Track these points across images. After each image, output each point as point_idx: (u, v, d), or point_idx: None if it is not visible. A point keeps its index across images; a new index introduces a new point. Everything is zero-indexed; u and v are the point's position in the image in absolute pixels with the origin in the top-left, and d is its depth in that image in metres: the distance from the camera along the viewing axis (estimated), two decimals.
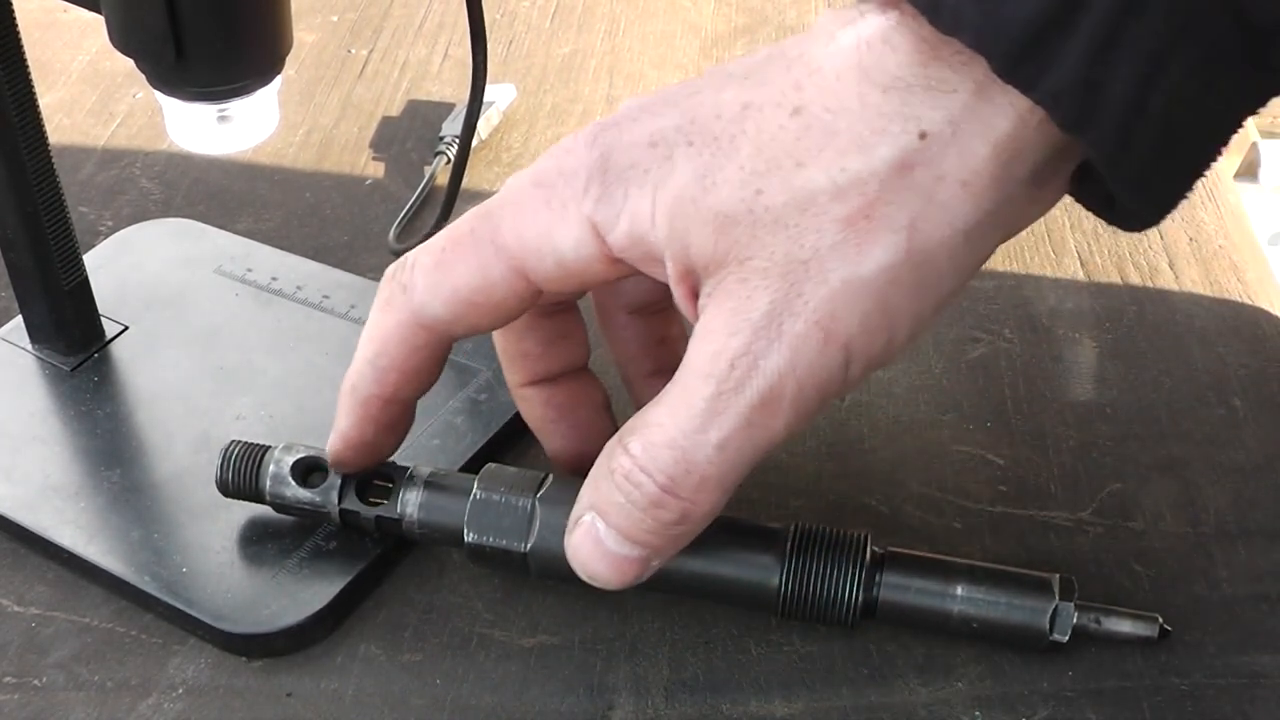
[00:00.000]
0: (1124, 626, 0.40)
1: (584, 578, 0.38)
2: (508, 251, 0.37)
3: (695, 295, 0.35)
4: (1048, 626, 0.40)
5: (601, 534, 0.37)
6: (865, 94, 0.33)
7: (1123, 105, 0.31)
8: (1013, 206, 0.35)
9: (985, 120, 0.32)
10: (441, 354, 0.40)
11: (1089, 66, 0.31)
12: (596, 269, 0.36)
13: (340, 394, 0.41)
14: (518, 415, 0.48)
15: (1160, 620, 0.40)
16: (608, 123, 0.36)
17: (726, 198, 0.34)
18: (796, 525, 0.41)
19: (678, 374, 0.35)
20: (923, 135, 0.33)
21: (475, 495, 0.42)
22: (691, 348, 0.35)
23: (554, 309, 0.42)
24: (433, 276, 0.38)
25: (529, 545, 0.41)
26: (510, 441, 0.48)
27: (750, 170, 0.34)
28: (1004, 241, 0.37)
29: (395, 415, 0.41)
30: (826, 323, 0.34)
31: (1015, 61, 0.31)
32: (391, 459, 0.44)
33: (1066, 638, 0.40)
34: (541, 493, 0.41)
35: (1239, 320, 0.52)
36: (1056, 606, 0.40)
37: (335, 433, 0.42)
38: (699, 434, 0.35)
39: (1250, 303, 0.53)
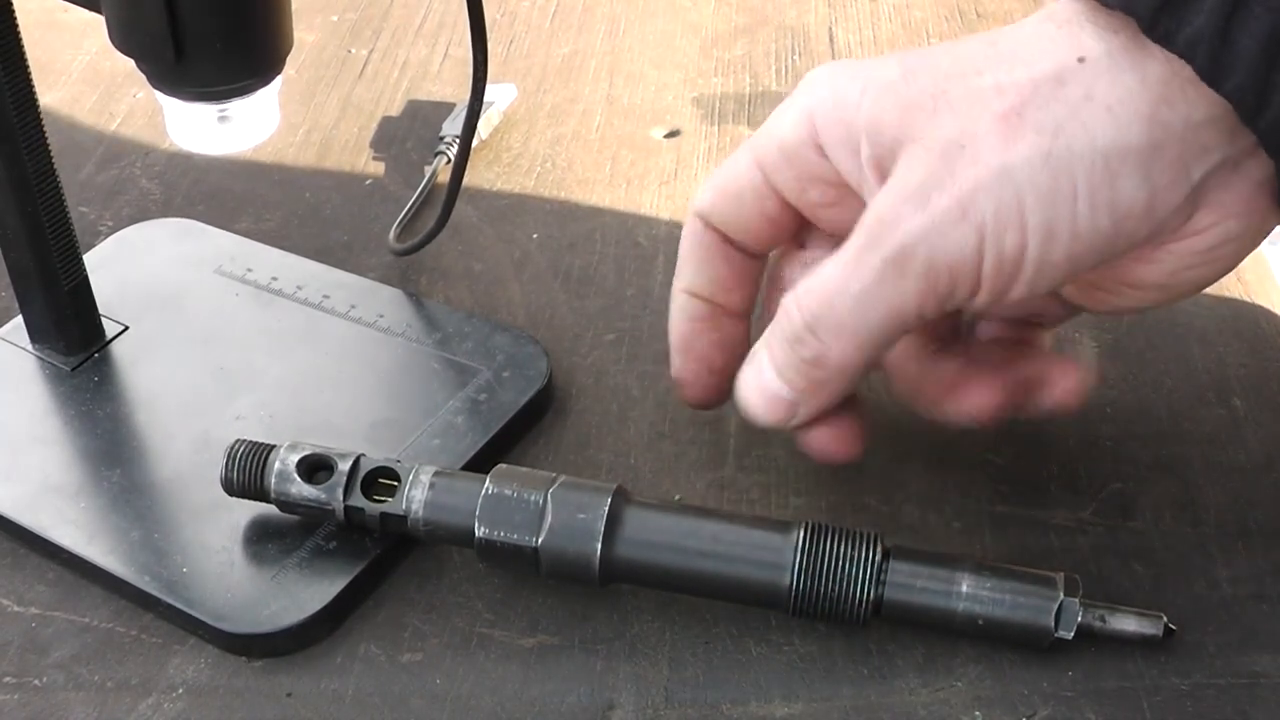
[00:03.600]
0: (1129, 625, 0.40)
1: (743, 411, 0.43)
2: (750, 142, 0.43)
3: (883, 180, 0.39)
4: (1053, 623, 0.40)
5: (762, 366, 0.42)
6: (1043, 28, 0.38)
7: (1257, 55, 0.34)
8: (1164, 168, 0.37)
9: (1139, 60, 0.36)
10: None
11: (1222, 20, 0.34)
12: (805, 155, 0.41)
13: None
14: (518, 415, 0.48)
15: (1165, 619, 0.40)
16: None
17: (920, 89, 0.39)
18: (807, 523, 0.41)
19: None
20: (1081, 59, 0.37)
21: (488, 489, 0.42)
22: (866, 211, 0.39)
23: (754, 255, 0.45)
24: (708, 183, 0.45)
25: (540, 541, 0.41)
26: (510, 441, 0.48)
27: (944, 73, 0.39)
28: (1157, 235, 0.38)
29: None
30: (966, 201, 0.37)
31: (1154, 20, 0.35)
32: (394, 458, 0.44)
33: (1072, 635, 0.40)
34: (553, 489, 0.42)
35: (1239, 320, 0.52)
36: (1062, 603, 0.40)
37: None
38: (841, 281, 0.39)
39: (1250, 302, 0.53)
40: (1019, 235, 0.37)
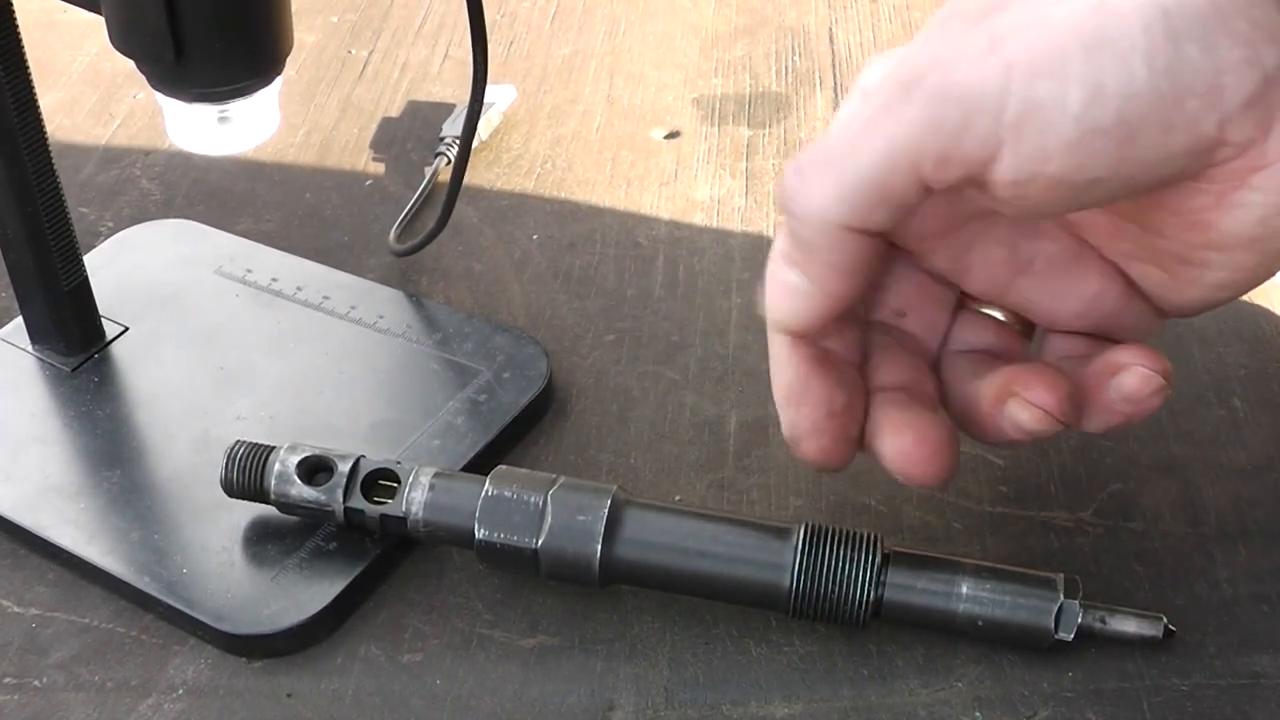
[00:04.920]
0: (1129, 626, 0.40)
1: (767, 316, 0.39)
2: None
3: None
4: (1053, 625, 0.40)
5: (772, 259, 0.38)
6: None
7: None
8: (1231, 43, 0.31)
9: None
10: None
11: None
12: None
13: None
14: (518, 416, 0.48)
15: (1165, 620, 0.40)
16: None
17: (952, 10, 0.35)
18: (807, 524, 0.41)
19: None
20: None
21: (487, 491, 0.42)
22: None
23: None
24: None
25: (539, 542, 0.41)
26: (510, 442, 0.48)
27: None
28: (1228, 142, 0.32)
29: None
30: (996, 37, 0.33)
31: None
32: (394, 459, 0.44)
33: (1072, 636, 0.40)
34: (553, 491, 0.42)
35: (1239, 320, 0.52)
36: (1062, 605, 0.40)
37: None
38: (844, 116, 0.35)
39: (1250, 303, 0.53)
40: (1057, 83, 0.32)
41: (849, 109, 0.36)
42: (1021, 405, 0.37)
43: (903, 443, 0.39)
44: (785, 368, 0.39)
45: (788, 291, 0.37)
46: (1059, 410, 0.37)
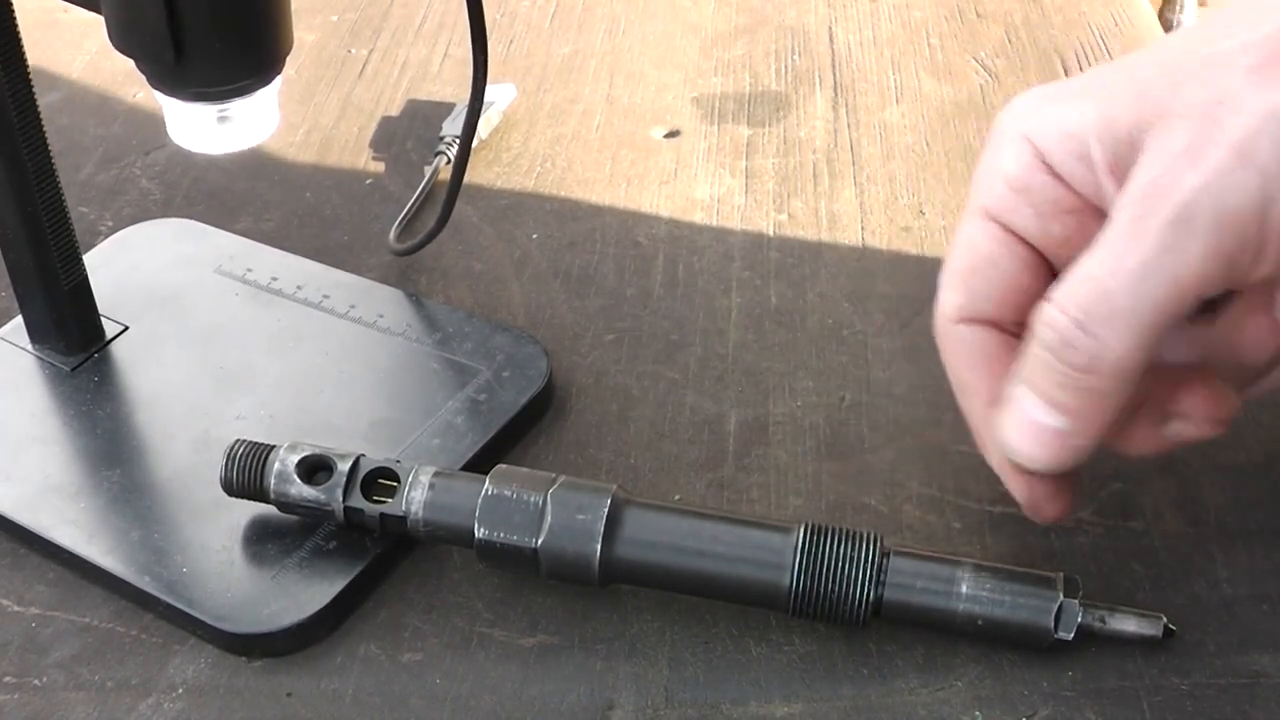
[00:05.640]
0: (1129, 625, 0.40)
1: (1011, 456, 0.39)
2: (967, 209, 0.40)
3: (1121, 183, 0.37)
4: (1053, 624, 0.40)
5: (1021, 399, 0.38)
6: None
7: None
8: None
9: None
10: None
11: None
12: (1037, 181, 0.39)
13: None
14: (517, 415, 0.48)
15: (1165, 619, 0.40)
16: None
17: (1145, 75, 0.37)
18: (806, 523, 0.41)
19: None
20: None
21: (487, 490, 0.42)
22: (1114, 204, 0.36)
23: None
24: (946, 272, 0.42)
25: (539, 541, 0.41)
26: (510, 441, 0.48)
27: (1171, 57, 0.37)
28: None
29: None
30: (1243, 146, 0.34)
31: None
32: (394, 458, 0.44)
33: (1071, 636, 0.40)
34: (553, 490, 0.42)
35: None
36: (1062, 604, 0.40)
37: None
38: (1114, 261, 0.35)
39: None
40: None
41: (1110, 244, 0.36)
42: (1186, 422, 0.40)
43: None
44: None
45: (1050, 436, 0.38)
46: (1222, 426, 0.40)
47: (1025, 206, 0.39)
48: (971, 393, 0.41)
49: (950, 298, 0.41)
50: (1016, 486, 0.41)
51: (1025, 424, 0.38)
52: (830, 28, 0.70)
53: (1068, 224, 0.39)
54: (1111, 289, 0.35)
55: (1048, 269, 0.40)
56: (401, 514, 0.42)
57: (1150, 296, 0.35)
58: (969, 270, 0.41)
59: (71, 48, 0.71)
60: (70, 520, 0.45)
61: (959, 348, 0.41)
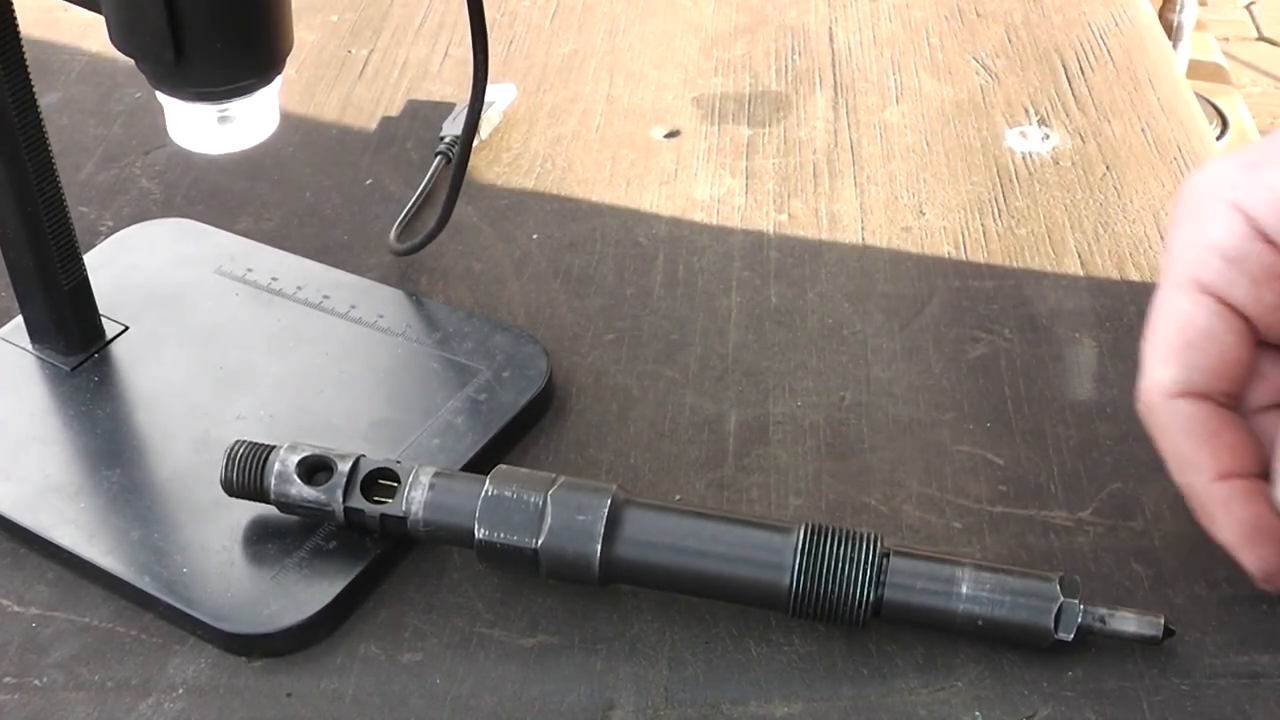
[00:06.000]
0: (1129, 625, 0.40)
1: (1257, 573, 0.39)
2: (1173, 284, 0.40)
3: None
4: (1053, 625, 0.40)
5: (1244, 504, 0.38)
6: None
7: None
8: None
9: None
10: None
11: None
12: (1253, 250, 0.38)
13: None
14: (518, 415, 0.48)
15: (1165, 619, 0.40)
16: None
17: None
18: (807, 523, 0.41)
19: None
20: None
21: (487, 491, 0.42)
22: None
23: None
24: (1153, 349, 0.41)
25: (539, 542, 0.41)
26: (510, 442, 0.48)
27: None
28: None
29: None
30: None
31: None
32: (394, 458, 0.44)
33: (1071, 636, 0.40)
34: (553, 490, 0.42)
35: None
36: (1062, 604, 0.40)
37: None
38: None
39: None
40: None
41: None
42: None
43: None
44: (1230, 513, 0.40)
45: None
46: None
47: (1240, 277, 0.39)
48: (1196, 469, 0.41)
49: (1165, 372, 0.41)
50: (1254, 560, 0.41)
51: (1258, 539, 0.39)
52: (830, 28, 0.70)
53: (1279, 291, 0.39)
54: None
55: (1256, 337, 0.40)
56: (401, 514, 0.42)
57: None
58: (1185, 344, 0.40)
59: (71, 48, 0.71)
60: (70, 520, 0.45)
61: (1178, 422, 0.41)
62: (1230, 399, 0.41)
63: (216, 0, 0.38)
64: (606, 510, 0.41)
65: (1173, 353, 0.40)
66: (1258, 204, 0.38)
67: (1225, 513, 0.40)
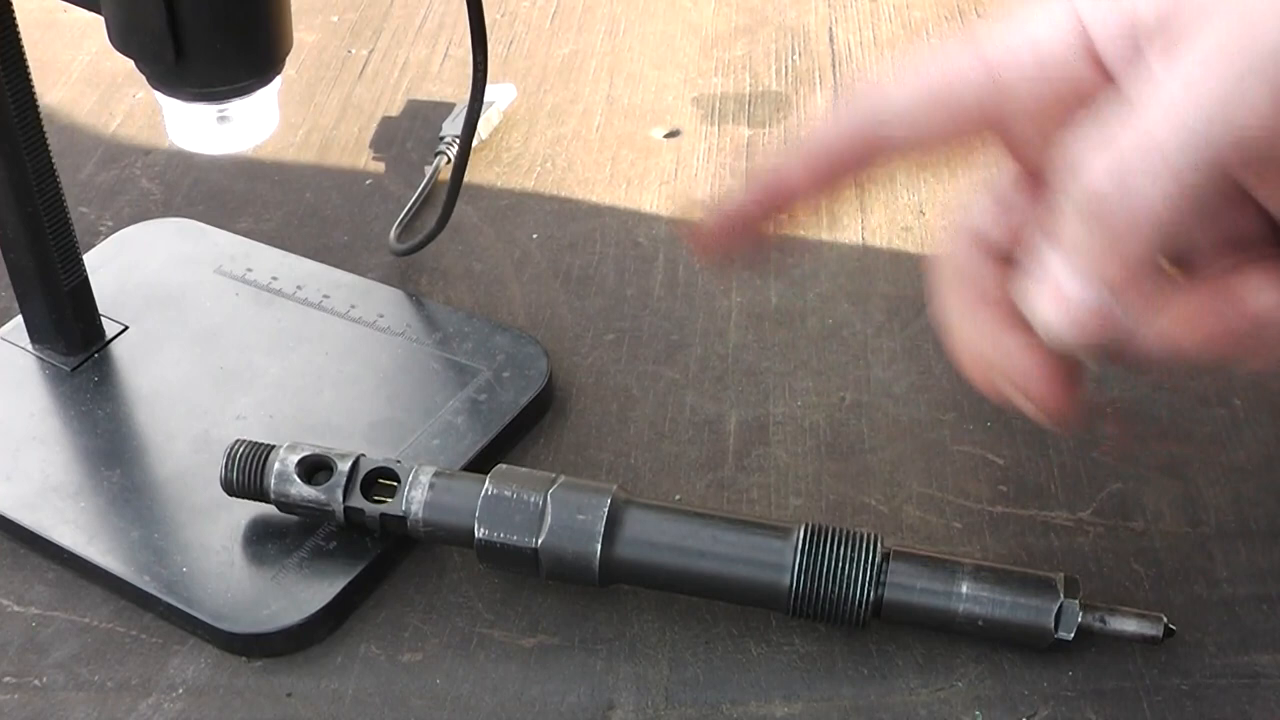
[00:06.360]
0: (1129, 626, 0.40)
1: (1050, 337, 0.33)
2: (980, 46, 0.35)
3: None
4: (1053, 625, 0.40)
5: (1054, 269, 0.32)
6: None
7: None
8: None
9: None
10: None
11: None
12: (1070, 65, 0.33)
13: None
14: (518, 416, 0.48)
15: (1165, 620, 0.40)
16: None
17: None
18: (807, 524, 0.41)
19: None
20: None
21: (487, 490, 0.42)
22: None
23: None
24: (901, 73, 0.36)
25: (539, 541, 0.41)
26: (510, 442, 0.48)
27: None
28: None
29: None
30: None
31: None
32: (394, 458, 0.44)
33: (1072, 636, 0.40)
34: (553, 490, 0.42)
35: None
36: (1062, 605, 0.40)
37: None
38: (1179, 93, 0.30)
39: None
40: None
41: (1162, 92, 0.31)
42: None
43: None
44: (971, 341, 0.37)
45: (1090, 313, 0.33)
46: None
47: (1041, 85, 0.34)
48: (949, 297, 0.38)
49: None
50: (1018, 378, 0.36)
51: (1060, 297, 0.33)
52: (830, 28, 0.70)
53: (1046, 128, 0.35)
54: (1160, 134, 0.30)
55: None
56: (401, 514, 0.42)
57: (1210, 139, 0.29)
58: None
59: (71, 48, 0.71)
60: (70, 520, 0.45)
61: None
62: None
63: (216, 1, 0.38)
64: (606, 510, 0.41)
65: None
66: (1087, 6, 0.33)
67: (964, 347, 0.38)
